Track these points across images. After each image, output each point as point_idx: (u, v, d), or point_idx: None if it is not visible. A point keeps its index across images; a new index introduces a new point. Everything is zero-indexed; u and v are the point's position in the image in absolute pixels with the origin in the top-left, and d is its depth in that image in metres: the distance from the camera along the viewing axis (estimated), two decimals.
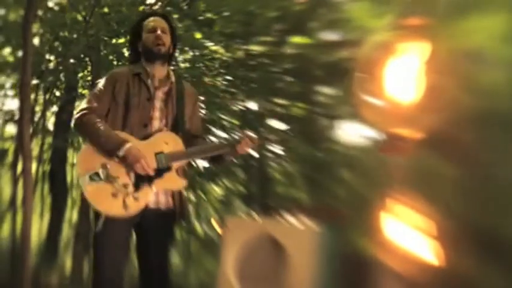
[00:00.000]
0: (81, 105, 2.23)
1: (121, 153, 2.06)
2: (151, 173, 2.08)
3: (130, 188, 2.07)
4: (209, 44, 5.64)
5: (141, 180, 2.08)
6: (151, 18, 2.32)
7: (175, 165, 2.14)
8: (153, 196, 2.16)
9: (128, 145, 2.06)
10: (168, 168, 2.11)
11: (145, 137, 2.16)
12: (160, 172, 2.11)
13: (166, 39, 2.26)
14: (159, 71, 2.27)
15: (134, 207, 2.06)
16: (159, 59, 2.25)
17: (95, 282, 2.12)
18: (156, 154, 2.12)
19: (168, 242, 2.23)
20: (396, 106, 2.19)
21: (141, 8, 5.32)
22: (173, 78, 2.29)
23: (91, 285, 2.13)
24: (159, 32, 2.24)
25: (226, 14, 5.24)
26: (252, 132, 2.18)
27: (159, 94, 2.25)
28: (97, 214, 2.12)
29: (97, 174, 2.08)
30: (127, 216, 2.07)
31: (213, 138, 6.05)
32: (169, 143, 2.15)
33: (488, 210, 1.95)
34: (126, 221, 2.11)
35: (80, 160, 2.13)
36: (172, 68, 2.44)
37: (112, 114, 2.20)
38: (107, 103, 2.19)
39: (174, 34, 2.33)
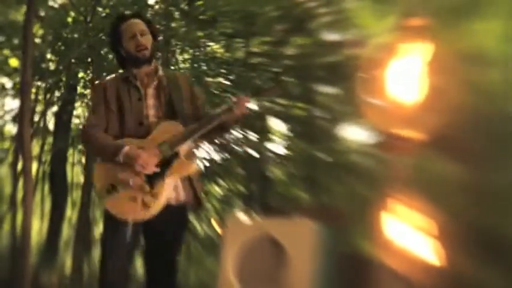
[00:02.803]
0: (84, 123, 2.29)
1: (121, 158, 2.08)
2: (151, 169, 2.07)
3: (146, 188, 2.06)
4: (210, 43, 5.65)
5: (153, 176, 2.08)
6: (127, 23, 2.29)
7: (182, 150, 2.12)
8: (173, 192, 2.15)
9: (125, 149, 2.08)
10: (175, 155, 2.10)
11: (145, 135, 2.17)
12: (168, 162, 2.10)
13: (147, 40, 2.25)
14: (147, 70, 2.28)
15: (155, 205, 2.05)
16: (145, 63, 2.25)
17: (101, 282, 2.13)
18: (159, 145, 2.12)
19: (178, 237, 2.22)
20: (398, 107, 2.19)
21: (136, 7, 5.32)
22: (160, 72, 2.28)
23: (98, 285, 2.13)
24: (138, 37, 2.23)
25: (227, 13, 5.24)
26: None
27: (150, 91, 2.25)
28: (108, 220, 2.14)
29: (113, 186, 2.10)
30: (152, 216, 2.06)
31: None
32: (169, 130, 2.14)
33: (490, 210, 1.94)
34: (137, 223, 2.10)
35: (95, 178, 2.17)
36: (172, 68, 2.45)
37: (110, 122, 2.22)
38: (102, 113, 2.22)
39: (152, 29, 2.31)
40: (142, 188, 2.07)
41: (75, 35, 5.46)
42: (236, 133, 5.88)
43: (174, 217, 2.17)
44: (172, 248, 2.20)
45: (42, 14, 5.48)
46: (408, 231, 2.11)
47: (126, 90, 2.23)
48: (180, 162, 2.11)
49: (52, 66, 5.84)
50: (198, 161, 2.21)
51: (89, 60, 5.65)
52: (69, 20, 5.51)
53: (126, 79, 2.26)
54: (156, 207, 2.06)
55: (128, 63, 2.29)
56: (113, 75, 2.35)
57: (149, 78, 2.27)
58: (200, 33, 5.40)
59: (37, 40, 5.57)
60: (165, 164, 2.10)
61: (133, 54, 2.23)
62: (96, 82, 2.37)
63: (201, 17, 5.30)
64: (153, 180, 2.08)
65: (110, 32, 2.36)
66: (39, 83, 5.83)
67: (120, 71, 2.37)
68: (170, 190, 2.13)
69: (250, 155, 5.57)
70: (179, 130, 2.14)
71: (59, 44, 5.65)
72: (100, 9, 5.41)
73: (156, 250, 2.19)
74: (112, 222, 2.12)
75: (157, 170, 2.09)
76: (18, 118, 4.70)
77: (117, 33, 2.29)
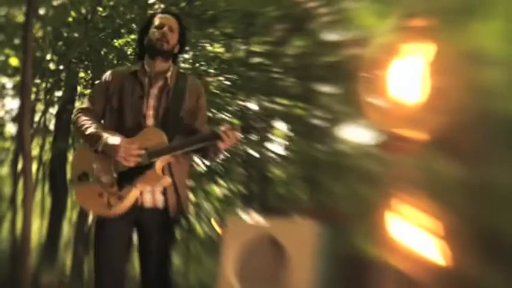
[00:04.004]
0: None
1: (100, 147, 2.07)
2: (132, 161, 2.05)
3: (115, 188, 2.06)
4: (210, 43, 5.65)
5: (123, 179, 2.07)
6: (162, 15, 2.32)
7: (160, 162, 2.10)
8: (149, 195, 2.14)
9: (104, 139, 2.07)
10: (150, 165, 2.07)
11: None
12: (141, 169, 2.08)
13: (172, 37, 2.25)
14: (159, 67, 2.25)
15: (118, 206, 2.05)
16: (160, 55, 2.23)
17: (96, 284, 2.12)
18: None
19: (167, 242, 2.22)
20: (400, 107, 2.19)
21: (140, 7, 5.32)
22: (169, 74, 2.25)
23: (93, 286, 2.13)
24: (165, 29, 2.23)
25: (227, 13, 5.25)
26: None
27: (154, 91, 2.23)
28: (99, 222, 2.17)
29: (85, 174, 2.10)
30: (113, 216, 2.06)
31: None
32: (153, 139, 2.10)
33: (493, 210, 1.94)
34: (126, 222, 2.11)
35: (73, 161, 2.20)
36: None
37: (108, 115, 2.22)
38: (100, 103, 2.23)
39: (183, 35, 2.32)
40: (111, 186, 2.07)
41: (76, 35, 5.46)
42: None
43: (161, 220, 2.17)
44: (162, 249, 2.19)
45: (42, 13, 5.47)
46: (412, 231, 2.10)
47: (131, 86, 2.22)
48: (153, 173, 2.08)
49: (52, 66, 5.83)
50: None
51: (89, 60, 5.65)
52: (70, 19, 5.51)
53: (135, 73, 2.24)
54: (119, 209, 2.06)
55: (145, 53, 2.28)
56: (123, 67, 2.35)
57: (157, 75, 2.24)
58: (200, 33, 5.39)
59: (37, 40, 5.56)
60: (139, 171, 2.08)
61: (153, 43, 2.22)
62: (107, 72, 2.34)
63: (203, 16, 5.29)
64: (123, 182, 2.07)
65: (144, 21, 2.40)
66: (39, 81, 5.82)
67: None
68: (135, 197, 2.11)
69: (250, 155, 5.57)
70: (161, 140, 2.10)
71: (59, 43, 5.64)
72: (100, 9, 5.40)
73: (147, 251, 2.18)
74: (103, 224, 2.13)
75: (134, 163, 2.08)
76: (18, 118, 4.70)
77: (148, 23, 2.31)
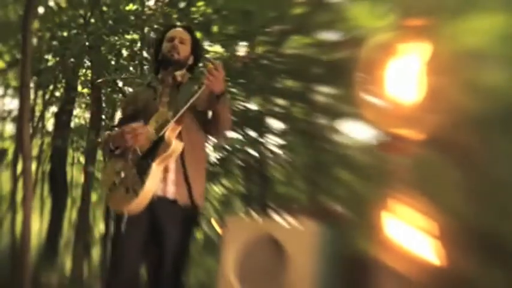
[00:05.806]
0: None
1: (111, 145, 2.19)
2: (142, 139, 2.14)
3: (136, 177, 2.10)
4: (210, 43, 5.64)
5: (141, 165, 2.12)
6: (173, 29, 2.43)
7: (169, 132, 2.13)
8: (161, 184, 2.15)
9: (110, 135, 2.22)
10: (161, 139, 2.13)
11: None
12: (154, 148, 2.13)
13: (183, 48, 2.34)
14: (171, 76, 2.33)
15: (144, 191, 2.07)
16: (172, 65, 2.31)
17: (111, 281, 2.14)
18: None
19: (182, 240, 2.20)
20: (397, 106, 2.19)
21: (137, 7, 5.32)
22: (179, 73, 2.32)
23: (106, 284, 2.15)
24: (176, 41, 2.33)
25: (226, 13, 5.24)
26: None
27: (166, 90, 2.30)
28: (119, 220, 2.17)
29: (114, 183, 2.17)
30: (145, 204, 2.08)
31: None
32: (159, 119, 2.19)
33: (489, 210, 1.95)
34: (144, 218, 2.11)
35: (102, 181, 2.30)
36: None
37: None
38: (124, 121, 2.30)
39: (196, 46, 2.41)
40: (134, 177, 2.11)
41: (75, 35, 5.46)
42: (236, 133, 5.88)
43: (172, 212, 2.17)
44: (177, 248, 2.19)
45: (41, 12, 5.48)
46: (409, 231, 2.11)
47: (145, 94, 2.34)
48: (164, 143, 2.13)
49: (51, 66, 5.84)
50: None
51: (88, 60, 5.65)
52: (69, 19, 5.51)
53: (149, 83, 2.38)
54: (143, 194, 2.07)
55: (160, 66, 2.38)
56: (142, 87, 2.47)
57: (168, 78, 2.33)
58: (198, 34, 5.39)
59: (36, 40, 5.56)
60: (153, 150, 2.14)
61: (165, 54, 2.32)
62: (129, 93, 2.49)
63: (200, 18, 5.29)
64: (141, 168, 2.12)
65: (157, 37, 2.53)
66: (38, 83, 5.83)
67: None
68: (158, 177, 2.13)
69: (250, 155, 5.56)
70: (166, 116, 2.18)
71: (59, 43, 5.65)
72: (99, 8, 5.40)
73: (158, 246, 2.18)
74: (124, 222, 2.14)
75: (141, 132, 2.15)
76: (17, 118, 4.70)
77: (162, 38, 2.41)
